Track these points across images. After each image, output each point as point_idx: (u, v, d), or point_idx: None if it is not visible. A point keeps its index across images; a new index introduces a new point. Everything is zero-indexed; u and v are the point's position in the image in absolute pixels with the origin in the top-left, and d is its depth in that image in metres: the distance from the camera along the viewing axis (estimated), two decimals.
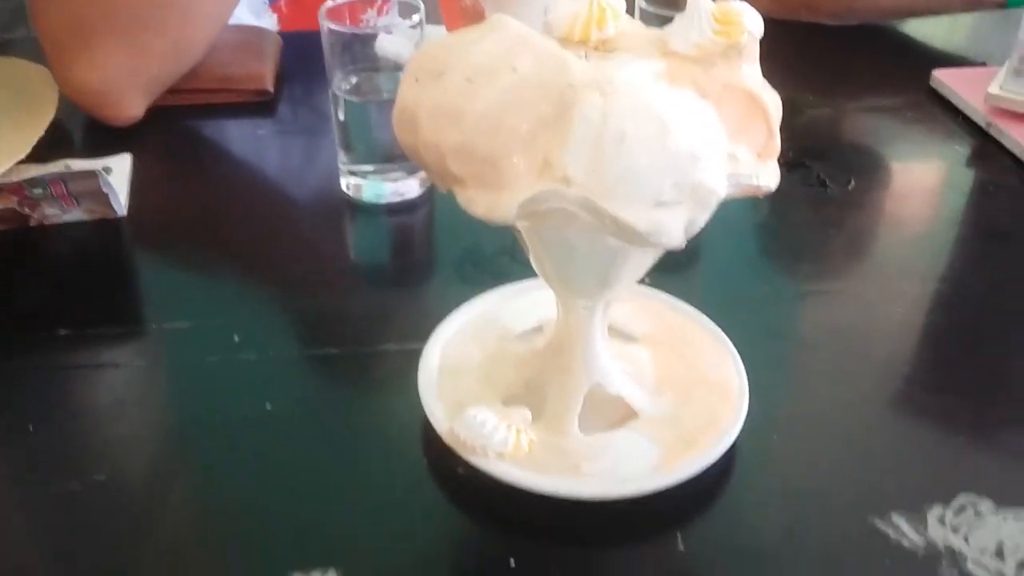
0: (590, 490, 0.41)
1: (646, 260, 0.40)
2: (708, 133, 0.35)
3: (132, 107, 0.70)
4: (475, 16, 0.38)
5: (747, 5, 0.36)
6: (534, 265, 0.42)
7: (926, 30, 0.94)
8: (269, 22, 0.97)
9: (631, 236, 0.34)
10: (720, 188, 0.35)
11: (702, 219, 0.35)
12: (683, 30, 0.35)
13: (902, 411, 0.49)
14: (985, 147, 0.73)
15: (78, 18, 0.68)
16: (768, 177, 0.37)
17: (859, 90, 0.82)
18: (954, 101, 0.79)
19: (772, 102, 0.37)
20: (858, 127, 0.78)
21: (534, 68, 0.34)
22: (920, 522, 0.41)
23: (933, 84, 0.81)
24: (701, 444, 0.42)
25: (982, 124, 0.75)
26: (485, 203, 0.35)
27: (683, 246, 0.37)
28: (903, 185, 0.73)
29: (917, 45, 0.93)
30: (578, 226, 0.35)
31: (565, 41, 0.38)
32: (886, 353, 0.53)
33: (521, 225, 0.38)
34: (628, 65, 0.35)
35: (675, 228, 0.34)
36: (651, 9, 0.64)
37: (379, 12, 0.61)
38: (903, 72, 0.85)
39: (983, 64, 0.86)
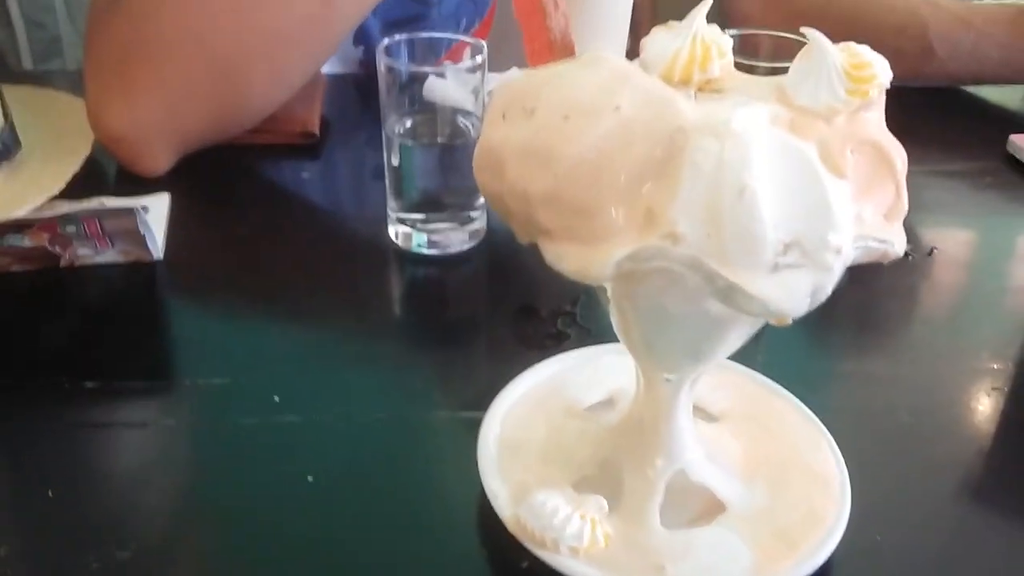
0: None
1: (747, 331, 0.35)
2: (835, 189, 0.30)
3: (158, 161, 0.66)
4: (564, 50, 0.34)
5: (876, 55, 0.32)
6: (617, 330, 0.37)
7: (1001, 94, 0.90)
8: None
9: (747, 303, 0.29)
10: (848, 251, 0.30)
11: (828, 287, 0.30)
12: (810, 86, 0.31)
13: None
14: None
15: (128, 55, 0.64)
16: (898, 241, 0.32)
17: (932, 154, 0.78)
18: None
19: (899, 156, 0.33)
20: (934, 192, 0.74)
21: (639, 108, 0.30)
22: None
23: (1010, 149, 0.77)
24: (801, 546, 0.37)
25: None
26: (577, 259, 0.30)
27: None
28: (988, 254, 0.68)
29: (992, 108, 0.89)
30: (681, 289, 0.31)
31: (663, 82, 0.34)
32: (994, 439, 0.47)
33: (611, 285, 0.33)
34: (742, 108, 0.31)
35: (798, 296, 0.30)
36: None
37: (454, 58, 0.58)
38: (978, 136, 0.81)
39: None
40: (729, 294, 0.30)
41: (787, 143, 0.30)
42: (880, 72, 0.32)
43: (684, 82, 0.34)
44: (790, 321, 0.32)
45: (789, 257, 0.30)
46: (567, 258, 0.31)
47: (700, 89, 0.34)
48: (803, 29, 0.32)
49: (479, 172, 0.32)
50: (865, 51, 0.32)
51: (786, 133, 0.30)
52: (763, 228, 0.29)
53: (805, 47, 0.32)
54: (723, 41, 0.34)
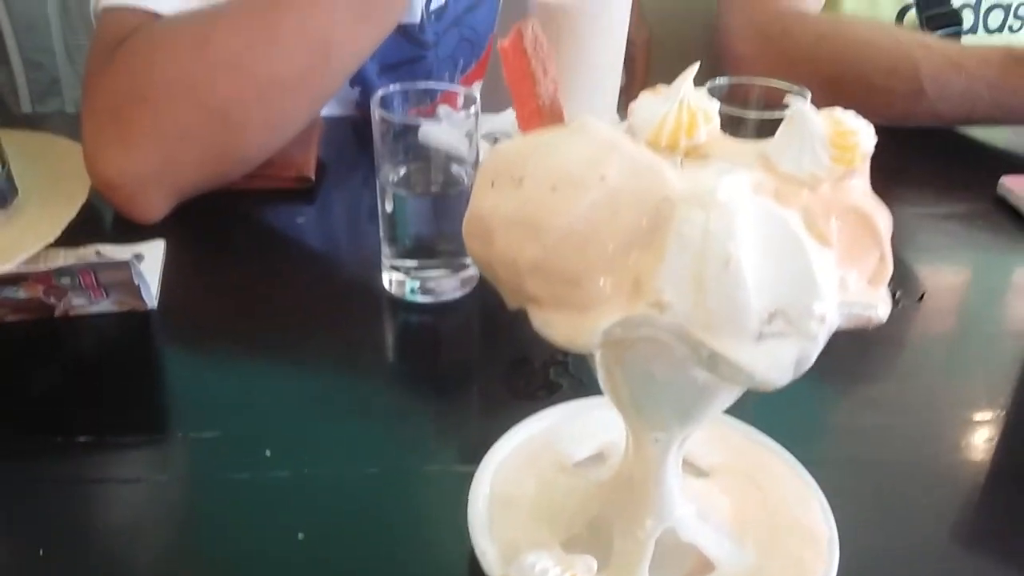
0: None
1: (735, 394, 0.35)
2: (819, 257, 0.31)
3: (154, 208, 0.67)
4: (553, 117, 0.34)
5: (861, 121, 0.32)
6: (605, 390, 0.37)
7: (992, 134, 0.90)
8: None
9: (732, 373, 0.30)
10: (833, 319, 0.31)
11: (812, 356, 0.31)
12: (794, 152, 0.31)
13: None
14: None
15: (124, 102, 0.65)
16: (882, 306, 0.33)
17: (924, 197, 0.79)
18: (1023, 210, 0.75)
19: (883, 221, 0.33)
20: (925, 236, 0.74)
21: (625, 177, 0.30)
22: None
23: (1000, 191, 0.78)
24: None
25: None
26: (565, 327, 0.31)
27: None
28: (979, 299, 0.68)
29: (981, 149, 0.90)
30: (668, 357, 0.31)
31: (650, 148, 0.34)
32: (986, 492, 0.47)
33: (599, 351, 0.33)
34: (727, 175, 0.31)
35: (783, 365, 0.30)
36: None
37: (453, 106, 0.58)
38: (968, 178, 0.81)
39: None
40: (714, 363, 0.30)
41: (772, 212, 0.31)
42: (864, 140, 0.32)
43: (671, 148, 0.34)
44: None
45: (774, 326, 0.30)
46: (555, 326, 0.31)
47: (687, 155, 0.34)
48: (786, 98, 0.33)
49: (468, 238, 0.32)
50: (849, 118, 0.32)
51: (771, 201, 0.31)
52: (748, 297, 0.29)
53: (788, 115, 0.32)
54: (709, 107, 0.35)
